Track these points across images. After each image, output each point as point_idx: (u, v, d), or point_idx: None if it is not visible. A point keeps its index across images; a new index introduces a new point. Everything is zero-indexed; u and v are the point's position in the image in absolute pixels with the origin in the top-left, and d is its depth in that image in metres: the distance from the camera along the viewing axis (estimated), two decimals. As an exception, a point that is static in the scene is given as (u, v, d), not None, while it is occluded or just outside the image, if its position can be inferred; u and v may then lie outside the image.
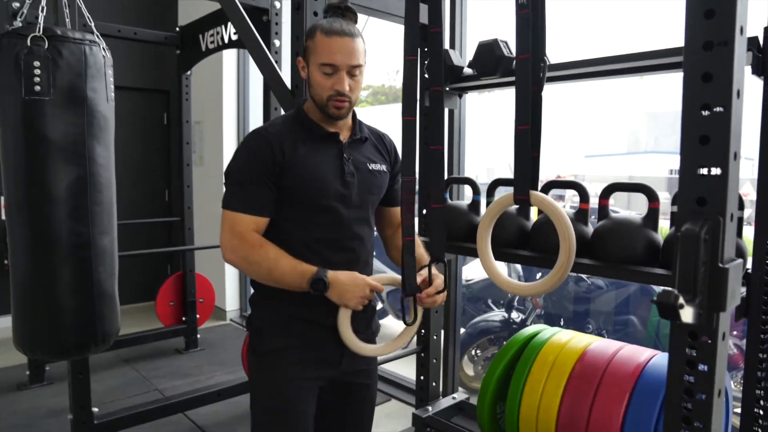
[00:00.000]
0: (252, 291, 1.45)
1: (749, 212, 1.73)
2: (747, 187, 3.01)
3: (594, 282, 2.98)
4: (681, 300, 0.82)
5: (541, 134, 1.28)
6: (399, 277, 1.35)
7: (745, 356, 1.38)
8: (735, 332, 2.60)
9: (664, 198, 1.55)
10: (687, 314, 0.87)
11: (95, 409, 2.33)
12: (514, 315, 3.08)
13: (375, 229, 1.50)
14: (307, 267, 1.27)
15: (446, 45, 2.21)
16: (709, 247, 0.87)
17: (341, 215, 1.35)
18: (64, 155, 1.62)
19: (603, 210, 1.59)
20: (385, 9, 1.94)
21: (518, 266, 3.23)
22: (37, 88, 1.56)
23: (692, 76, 0.88)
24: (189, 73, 3.54)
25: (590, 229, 1.58)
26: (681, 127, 0.89)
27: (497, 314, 3.12)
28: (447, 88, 2.15)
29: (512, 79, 1.78)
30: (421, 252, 1.41)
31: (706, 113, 0.87)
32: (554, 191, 1.68)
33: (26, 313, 1.68)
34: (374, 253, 1.50)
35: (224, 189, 1.34)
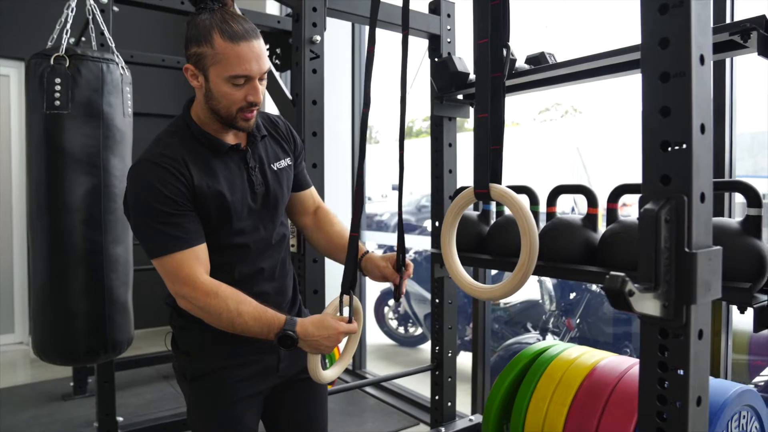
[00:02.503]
0: (171, 311, 1.31)
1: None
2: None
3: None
4: (630, 286, 0.73)
5: (503, 125, 1.21)
6: (356, 300, 1.25)
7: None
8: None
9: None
10: (649, 306, 0.78)
11: (120, 419, 2.39)
12: (549, 338, 2.91)
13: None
14: (272, 317, 1.15)
15: (462, 53, 2.19)
16: (672, 230, 0.78)
17: (258, 230, 1.28)
18: (80, 166, 1.72)
19: (612, 214, 1.49)
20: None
21: (549, 285, 3.07)
22: (57, 102, 1.68)
23: (649, 41, 0.81)
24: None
25: (599, 235, 1.49)
26: (641, 97, 0.82)
27: (531, 336, 2.96)
28: (460, 96, 2.12)
29: (515, 81, 1.73)
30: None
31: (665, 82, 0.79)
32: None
33: (43, 316, 1.77)
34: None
35: (140, 238, 1.18)
